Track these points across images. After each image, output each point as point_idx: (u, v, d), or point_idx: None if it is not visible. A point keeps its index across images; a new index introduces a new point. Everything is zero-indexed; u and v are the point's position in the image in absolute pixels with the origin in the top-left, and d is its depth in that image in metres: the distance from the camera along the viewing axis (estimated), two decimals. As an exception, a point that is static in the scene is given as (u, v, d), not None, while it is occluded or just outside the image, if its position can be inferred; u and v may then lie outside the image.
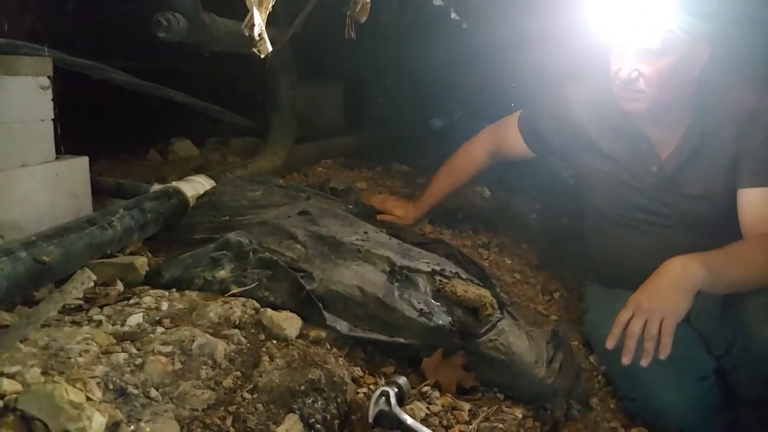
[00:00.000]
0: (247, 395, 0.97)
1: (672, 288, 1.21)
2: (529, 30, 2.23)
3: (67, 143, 1.47)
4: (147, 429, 0.85)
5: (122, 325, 1.08)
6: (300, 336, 1.15)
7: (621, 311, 1.22)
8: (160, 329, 1.08)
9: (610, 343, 1.22)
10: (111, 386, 0.90)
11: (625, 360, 1.19)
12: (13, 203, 1.30)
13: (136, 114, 2.19)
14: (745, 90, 1.40)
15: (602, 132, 1.54)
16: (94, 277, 1.18)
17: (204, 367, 1.00)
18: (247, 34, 1.08)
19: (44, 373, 0.89)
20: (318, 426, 0.97)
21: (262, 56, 1.12)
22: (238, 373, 1.01)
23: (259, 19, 1.07)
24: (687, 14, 1.29)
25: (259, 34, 1.08)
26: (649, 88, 1.36)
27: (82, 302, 1.16)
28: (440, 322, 1.21)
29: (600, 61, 1.46)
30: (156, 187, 1.60)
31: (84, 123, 1.62)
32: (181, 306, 1.18)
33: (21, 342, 0.97)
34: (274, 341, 1.11)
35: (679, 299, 1.19)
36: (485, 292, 1.27)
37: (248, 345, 1.08)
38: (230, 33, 1.61)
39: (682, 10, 1.29)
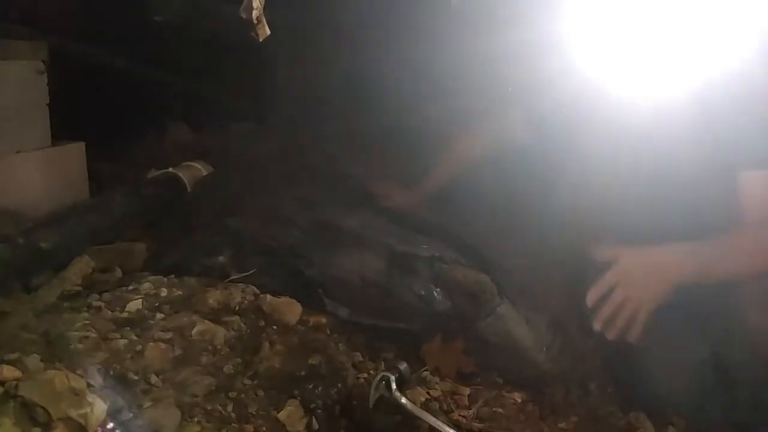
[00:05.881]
0: (248, 381, 0.97)
1: (654, 278, 1.19)
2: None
3: (63, 129, 1.46)
4: (148, 415, 0.85)
5: (122, 311, 1.08)
6: (300, 322, 1.15)
7: (609, 273, 1.16)
8: (159, 315, 1.08)
9: (590, 299, 1.15)
10: (111, 372, 0.90)
11: (597, 326, 1.14)
12: (9, 190, 1.29)
13: (133, 99, 2.17)
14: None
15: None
16: (92, 264, 1.18)
17: (204, 353, 1.00)
18: (244, 17, 1.06)
19: (44, 359, 0.89)
20: (319, 411, 0.97)
21: (261, 40, 1.11)
22: (239, 360, 1.01)
23: (257, 2, 1.05)
24: None
25: (258, 18, 1.07)
26: None
27: (80, 288, 1.16)
28: (440, 307, 1.21)
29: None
30: (154, 173, 1.59)
31: (80, 108, 1.61)
32: (180, 292, 1.18)
33: (20, 329, 0.96)
34: (275, 327, 1.11)
35: (658, 292, 1.17)
36: (484, 278, 1.27)
37: (248, 331, 1.08)
38: (228, 17, 1.59)
39: None
